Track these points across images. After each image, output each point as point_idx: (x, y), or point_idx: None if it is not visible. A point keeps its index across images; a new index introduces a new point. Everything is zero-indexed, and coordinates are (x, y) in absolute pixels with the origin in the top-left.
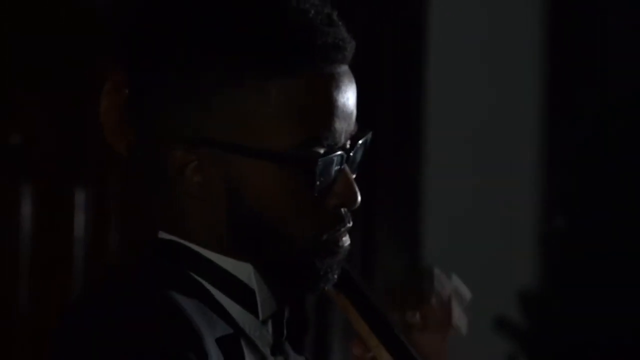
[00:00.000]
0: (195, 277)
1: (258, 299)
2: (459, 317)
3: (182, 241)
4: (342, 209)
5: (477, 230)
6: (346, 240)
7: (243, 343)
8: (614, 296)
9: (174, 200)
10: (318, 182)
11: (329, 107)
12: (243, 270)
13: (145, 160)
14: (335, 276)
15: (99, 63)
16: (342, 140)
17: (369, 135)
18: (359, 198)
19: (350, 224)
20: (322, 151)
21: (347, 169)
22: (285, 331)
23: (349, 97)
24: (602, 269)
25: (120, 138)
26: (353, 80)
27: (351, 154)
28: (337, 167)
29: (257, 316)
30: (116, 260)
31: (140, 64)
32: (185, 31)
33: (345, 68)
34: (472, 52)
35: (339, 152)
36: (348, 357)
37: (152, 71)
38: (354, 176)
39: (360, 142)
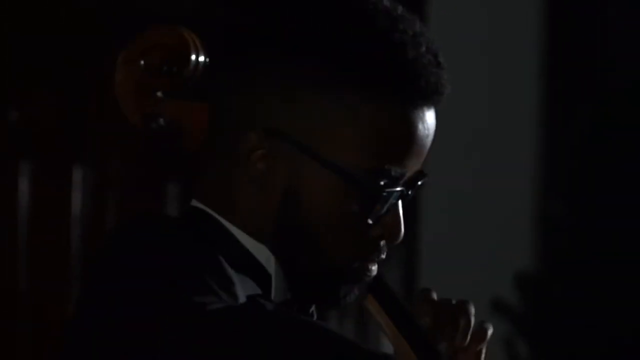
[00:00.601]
0: (216, 251)
1: (273, 284)
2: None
3: (213, 213)
4: (382, 242)
5: (476, 213)
6: (375, 270)
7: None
8: (611, 280)
9: (228, 178)
10: (375, 211)
11: (411, 144)
12: (262, 254)
13: (214, 136)
14: (352, 299)
15: (99, 42)
16: (407, 175)
17: (426, 179)
18: (402, 236)
19: (384, 257)
20: (388, 182)
21: (400, 205)
22: None
23: (429, 137)
24: (599, 252)
25: (135, 108)
26: (435, 122)
27: (410, 192)
28: (393, 201)
29: (269, 300)
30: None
31: (239, 45)
32: (300, 24)
33: (434, 109)
34: (473, 38)
35: (401, 189)
36: None
37: (251, 55)
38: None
39: (419, 183)
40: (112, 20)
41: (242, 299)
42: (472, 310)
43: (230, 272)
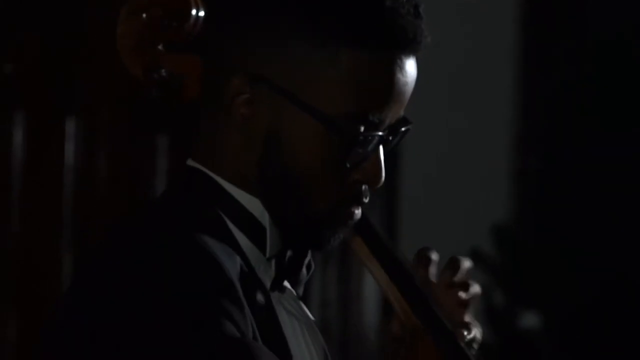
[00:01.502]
0: (217, 209)
1: (268, 236)
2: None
3: (207, 171)
4: (364, 186)
5: (455, 168)
6: (358, 214)
7: (253, 281)
8: (583, 230)
9: (214, 128)
10: (354, 155)
11: (389, 89)
12: (257, 207)
13: (205, 86)
14: (337, 242)
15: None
16: (387, 122)
17: (410, 127)
18: (383, 180)
19: (367, 201)
20: (367, 127)
21: (381, 150)
22: (286, 270)
23: (408, 85)
24: (572, 205)
25: (136, 61)
26: (415, 71)
27: (390, 138)
28: (373, 147)
29: (264, 253)
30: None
31: (228, 3)
32: None
33: (413, 58)
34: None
35: (381, 134)
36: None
37: (237, 7)
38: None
39: (402, 130)
40: None
41: (240, 293)
42: (466, 265)
43: (226, 261)
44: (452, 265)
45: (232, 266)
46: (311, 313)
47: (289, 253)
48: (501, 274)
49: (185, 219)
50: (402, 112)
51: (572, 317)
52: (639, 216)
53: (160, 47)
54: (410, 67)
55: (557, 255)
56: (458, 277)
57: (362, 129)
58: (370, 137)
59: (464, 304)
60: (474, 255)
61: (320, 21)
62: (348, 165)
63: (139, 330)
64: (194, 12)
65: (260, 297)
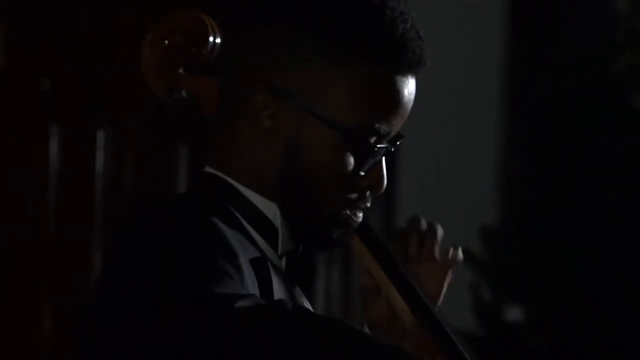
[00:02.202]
0: (230, 208)
1: (280, 236)
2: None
3: (224, 176)
4: (369, 192)
5: (447, 175)
6: (360, 217)
7: (270, 266)
8: (564, 232)
9: (235, 138)
10: (366, 164)
11: (396, 104)
12: (270, 210)
13: (226, 102)
14: (342, 242)
15: (117, 21)
16: (392, 134)
17: (403, 139)
18: (385, 187)
19: (369, 205)
20: (377, 137)
21: (384, 160)
22: (295, 267)
23: (411, 101)
24: (554, 209)
25: (159, 83)
26: (415, 90)
27: (392, 149)
28: (379, 157)
29: (276, 251)
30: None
31: (250, 20)
32: (307, 7)
33: (414, 78)
34: (442, 13)
35: (387, 145)
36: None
37: (260, 29)
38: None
39: (399, 142)
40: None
41: (245, 267)
42: (440, 232)
43: (234, 241)
44: (430, 234)
45: (244, 250)
46: (316, 306)
47: (301, 249)
48: (488, 271)
49: (203, 209)
50: (400, 127)
51: (552, 310)
52: (614, 217)
53: (180, 70)
54: (413, 85)
55: (539, 255)
56: (441, 249)
57: (373, 139)
58: (381, 149)
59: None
60: (465, 255)
61: (340, 43)
62: (362, 173)
63: (154, 278)
64: (211, 38)
65: (276, 278)
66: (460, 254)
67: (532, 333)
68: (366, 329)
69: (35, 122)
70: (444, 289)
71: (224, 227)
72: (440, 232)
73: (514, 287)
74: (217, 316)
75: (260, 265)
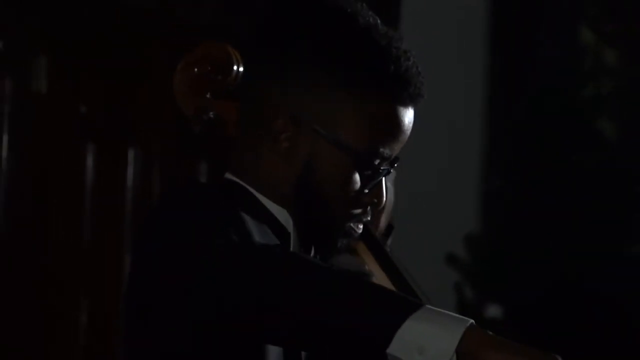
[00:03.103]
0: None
1: (292, 239)
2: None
3: (243, 183)
4: (369, 206)
5: (434, 187)
6: (361, 228)
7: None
8: (539, 239)
9: (258, 153)
10: (371, 182)
11: (398, 132)
12: (283, 216)
13: (247, 122)
14: (344, 248)
15: (146, 52)
16: (392, 157)
17: (399, 162)
18: (384, 203)
19: (369, 218)
20: (380, 160)
21: (384, 180)
22: None
23: (410, 129)
24: (530, 218)
25: (190, 106)
26: (413, 120)
27: (391, 170)
28: (381, 177)
29: None
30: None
31: (273, 56)
32: (322, 42)
33: (413, 109)
34: (433, 46)
35: (388, 167)
36: None
37: (281, 63)
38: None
39: (396, 165)
40: (159, 29)
41: (257, 236)
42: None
43: (247, 223)
44: None
45: (263, 235)
46: None
47: (312, 252)
48: (471, 273)
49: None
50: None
51: (527, 308)
52: (581, 227)
53: (208, 94)
54: (412, 115)
55: (516, 260)
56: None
57: (377, 162)
58: (384, 170)
59: None
60: (450, 259)
61: (351, 78)
62: (366, 191)
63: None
64: (235, 67)
65: None
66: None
67: (509, 328)
68: None
69: (74, 141)
70: None
71: (246, 219)
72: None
73: (493, 288)
74: (217, 256)
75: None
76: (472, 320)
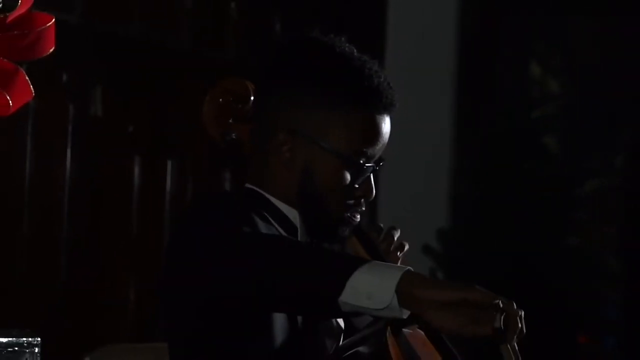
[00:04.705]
0: (264, 212)
1: (299, 232)
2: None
3: (259, 190)
4: (362, 199)
5: (415, 191)
6: (358, 217)
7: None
8: (501, 234)
9: (267, 164)
10: (360, 179)
11: (377, 136)
12: (291, 214)
13: (258, 139)
14: (344, 236)
15: (180, 84)
16: (376, 157)
17: (384, 162)
18: (374, 196)
19: (364, 209)
20: (365, 160)
21: (372, 176)
22: None
23: (388, 133)
24: (493, 217)
25: (216, 129)
26: (390, 125)
27: (377, 168)
28: (368, 174)
29: None
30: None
31: (274, 84)
32: (310, 70)
33: (389, 117)
34: (410, 72)
35: (372, 165)
36: None
37: (280, 90)
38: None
39: (382, 163)
40: (191, 66)
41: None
42: (397, 234)
43: (259, 221)
44: (389, 235)
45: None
46: None
47: (315, 242)
48: (442, 261)
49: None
50: (381, 152)
51: (490, 289)
52: (533, 225)
53: (230, 120)
54: (388, 121)
55: (479, 250)
56: (396, 243)
57: (362, 161)
58: (369, 167)
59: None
60: (426, 249)
61: (335, 96)
62: (356, 186)
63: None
64: (252, 98)
65: None
66: (405, 247)
67: None
68: None
69: (123, 154)
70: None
71: (256, 218)
72: (397, 234)
73: (460, 272)
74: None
75: None
76: (409, 267)
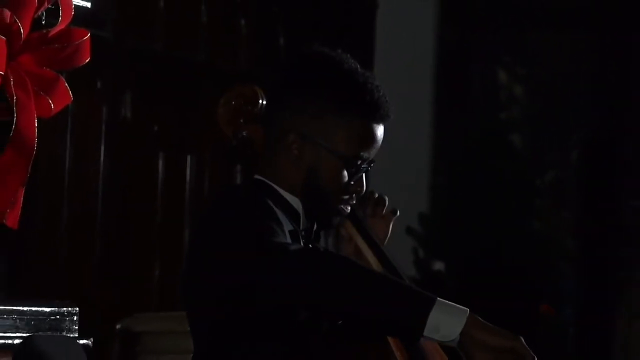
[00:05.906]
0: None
1: (301, 218)
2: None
3: (267, 181)
4: (355, 194)
5: (400, 181)
6: (349, 209)
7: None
8: (475, 222)
9: (277, 160)
10: (356, 177)
11: (373, 142)
12: (295, 203)
13: (270, 139)
14: (338, 223)
15: (198, 90)
16: (370, 159)
17: (374, 163)
18: (364, 191)
19: (355, 202)
20: (362, 161)
21: (364, 175)
22: (310, 239)
23: (381, 139)
24: (466, 203)
25: (229, 128)
26: (383, 132)
27: (369, 168)
28: (362, 173)
29: (298, 227)
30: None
31: (288, 95)
32: (317, 82)
33: (384, 125)
34: (398, 80)
35: (366, 166)
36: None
37: (291, 97)
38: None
39: (372, 164)
40: (207, 74)
41: (286, 232)
42: (386, 200)
43: (276, 209)
44: (381, 201)
45: (285, 223)
46: None
47: (315, 227)
48: (423, 241)
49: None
50: (374, 155)
51: (462, 265)
52: (501, 213)
53: (241, 120)
54: (382, 129)
55: (455, 232)
56: (389, 207)
57: (359, 162)
58: (364, 168)
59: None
60: (409, 230)
61: (340, 105)
62: (352, 182)
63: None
64: (260, 101)
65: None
66: (397, 212)
67: (449, 278)
68: None
69: (149, 151)
70: (389, 234)
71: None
72: (386, 199)
73: (438, 251)
74: (277, 256)
75: (294, 234)
76: (468, 309)
